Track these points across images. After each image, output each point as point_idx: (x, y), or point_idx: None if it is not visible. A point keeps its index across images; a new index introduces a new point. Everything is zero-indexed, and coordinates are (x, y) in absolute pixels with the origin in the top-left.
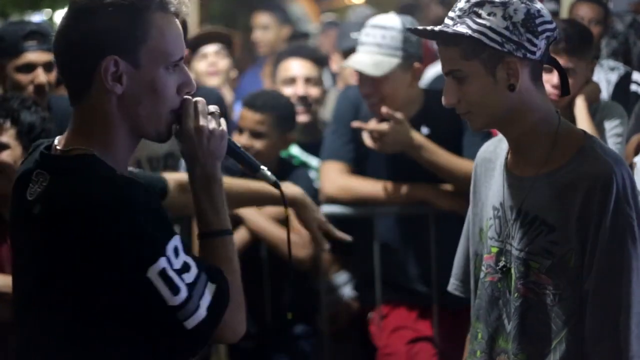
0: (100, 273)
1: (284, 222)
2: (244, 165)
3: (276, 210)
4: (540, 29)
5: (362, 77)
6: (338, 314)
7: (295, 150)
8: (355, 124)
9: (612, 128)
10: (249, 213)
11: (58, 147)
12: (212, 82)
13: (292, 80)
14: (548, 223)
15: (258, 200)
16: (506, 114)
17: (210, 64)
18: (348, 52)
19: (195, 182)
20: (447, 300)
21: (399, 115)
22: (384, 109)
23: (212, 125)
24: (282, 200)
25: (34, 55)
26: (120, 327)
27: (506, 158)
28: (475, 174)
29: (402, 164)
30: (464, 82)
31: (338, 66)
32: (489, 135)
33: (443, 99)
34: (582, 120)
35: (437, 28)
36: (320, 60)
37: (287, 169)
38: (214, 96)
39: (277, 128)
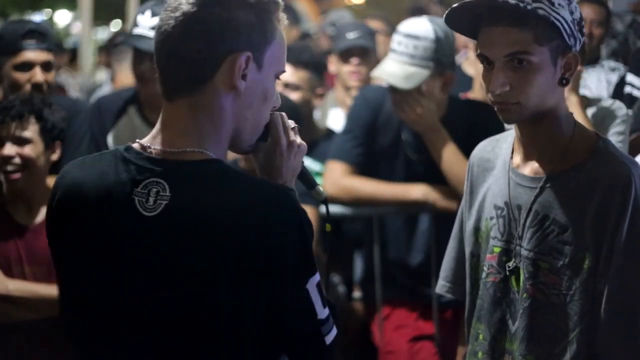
0: (258, 283)
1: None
2: (303, 180)
3: None
4: (583, 31)
5: (393, 87)
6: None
7: None
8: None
9: (614, 126)
10: None
11: (156, 148)
12: None
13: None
14: (560, 223)
15: None
16: (544, 111)
17: None
18: (344, 52)
19: None
20: (447, 300)
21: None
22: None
23: (299, 140)
24: (327, 217)
25: (33, 54)
26: (268, 341)
27: (510, 157)
28: (471, 174)
29: (415, 171)
30: (526, 68)
31: (336, 68)
32: None
33: (492, 85)
34: (577, 116)
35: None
36: (307, 64)
37: None
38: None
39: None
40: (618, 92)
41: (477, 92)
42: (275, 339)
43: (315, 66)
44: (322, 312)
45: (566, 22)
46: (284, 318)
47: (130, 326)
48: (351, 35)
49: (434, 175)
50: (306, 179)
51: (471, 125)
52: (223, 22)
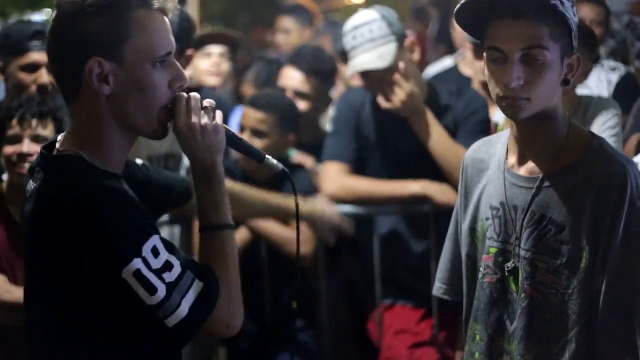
0: (79, 274)
1: (284, 221)
2: (249, 156)
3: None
4: (578, 35)
5: (370, 75)
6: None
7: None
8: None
9: (606, 122)
10: None
11: (57, 147)
12: (212, 82)
13: (282, 90)
14: (557, 222)
15: (277, 214)
16: (548, 109)
17: (214, 64)
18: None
19: (195, 177)
20: (448, 302)
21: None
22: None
23: (205, 120)
24: (293, 190)
25: (39, 55)
26: (103, 325)
27: (505, 158)
28: (466, 175)
29: (403, 165)
30: (541, 65)
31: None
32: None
33: (508, 79)
34: None
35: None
36: (319, 73)
37: (287, 168)
38: (214, 99)
39: (278, 128)
40: (620, 91)
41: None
42: (113, 324)
43: (325, 74)
44: (151, 299)
45: (574, 22)
46: (111, 305)
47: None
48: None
49: (423, 162)
50: (250, 154)
51: (452, 108)
52: (70, 36)
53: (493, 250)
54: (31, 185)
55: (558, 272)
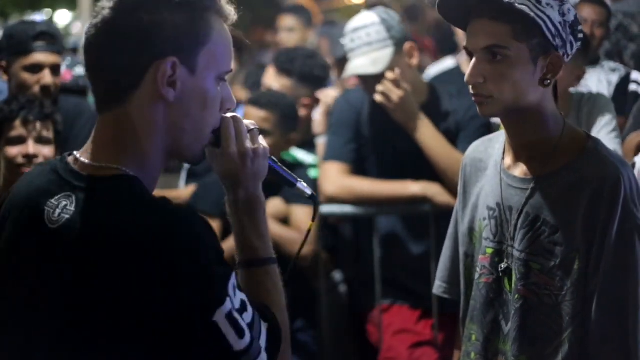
0: (158, 316)
1: (284, 220)
2: (281, 180)
3: (276, 209)
4: (579, 36)
5: (366, 78)
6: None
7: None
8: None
9: (606, 124)
10: None
11: (82, 161)
12: None
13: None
14: (551, 224)
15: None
16: (523, 108)
17: None
18: (341, 60)
19: (238, 206)
20: (447, 302)
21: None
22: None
23: (255, 145)
24: (314, 212)
25: (43, 56)
26: None
27: (502, 158)
28: (464, 174)
29: (402, 165)
30: (502, 63)
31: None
32: None
33: (466, 76)
34: None
35: None
36: (292, 73)
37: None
38: None
39: (280, 127)
40: (620, 92)
41: None
42: None
43: (302, 76)
44: (240, 343)
45: (551, 21)
46: (198, 354)
47: (28, 331)
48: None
49: (422, 162)
50: (284, 179)
51: (454, 109)
52: (143, 28)
53: (489, 251)
54: (56, 213)
55: (551, 273)
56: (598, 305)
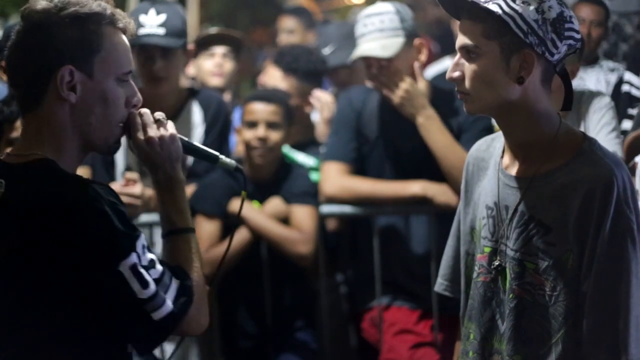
0: (73, 267)
1: (284, 220)
2: (202, 158)
3: (276, 208)
4: (566, 34)
5: (372, 61)
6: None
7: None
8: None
9: (606, 124)
10: (249, 212)
11: (10, 154)
12: (215, 82)
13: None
14: (545, 224)
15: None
16: (505, 106)
17: (216, 65)
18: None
19: (159, 186)
20: (447, 303)
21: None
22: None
23: (161, 132)
24: (244, 183)
25: None
26: (90, 319)
27: (501, 157)
28: (467, 173)
29: (403, 165)
30: (475, 61)
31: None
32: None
33: (447, 72)
34: None
35: None
36: (297, 71)
37: (286, 167)
38: (214, 100)
39: (285, 120)
40: (619, 92)
41: None
42: (104, 322)
43: (306, 74)
44: (143, 292)
45: (522, 18)
46: (104, 297)
47: None
48: (327, 51)
49: (423, 162)
50: (205, 157)
51: (457, 109)
52: (42, 43)
53: (487, 250)
54: None
55: (545, 273)
56: (590, 305)
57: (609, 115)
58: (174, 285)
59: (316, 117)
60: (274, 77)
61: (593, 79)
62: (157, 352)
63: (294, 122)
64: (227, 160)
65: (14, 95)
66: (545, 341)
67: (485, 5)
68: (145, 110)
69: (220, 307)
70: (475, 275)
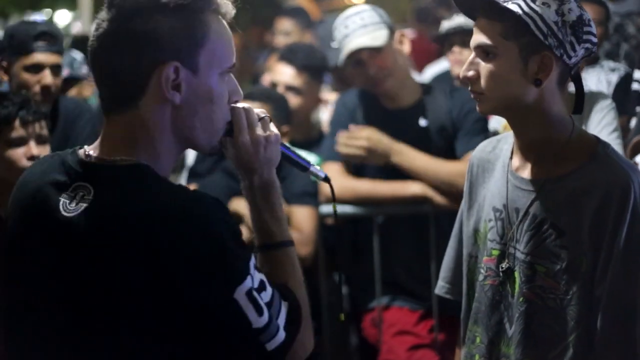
0: (179, 295)
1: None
2: (294, 164)
3: None
4: (584, 37)
5: (364, 58)
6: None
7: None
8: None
9: (602, 119)
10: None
11: (94, 155)
12: None
13: (273, 86)
14: (558, 227)
15: None
16: (520, 108)
17: None
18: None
19: (254, 192)
20: (447, 305)
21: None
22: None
23: (267, 132)
24: (332, 195)
25: (43, 56)
26: (198, 352)
27: (510, 159)
28: (471, 174)
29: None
30: (492, 61)
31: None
32: (486, 136)
33: (461, 71)
34: None
35: None
36: (310, 68)
37: (286, 166)
38: None
39: (274, 119)
40: (620, 91)
41: None
42: (214, 351)
43: (316, 69)
44: (259, 320)
45: (543, 20)
46: (217, 330)
47: (44, 322)
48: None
49: None
50: (296, 164)
51: (449, 106)
52: (142, 36)
53: (495, 253)
54: (73, 203)
55: (557, 277)
56: (604, 311)
57: (610, 116)
58: (284, 309)
59: (323, 115)
60: (285, 74)
61: (594, 79)
62: None
63: (291, 121)
64: (317, 169)
65: (5, 94)
66: (555, 345)
67: (505, 4)
68: (250, 107)
69: None
70: (482, 278)
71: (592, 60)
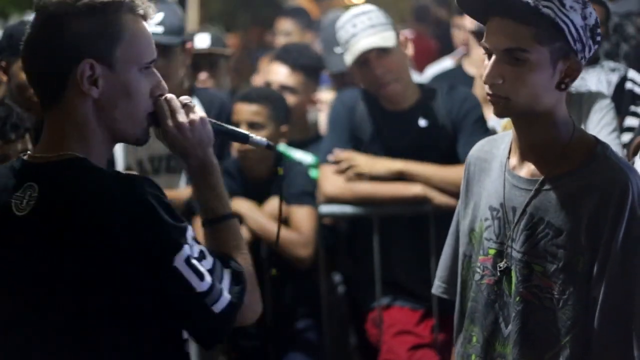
0: (127, 268)
1: (284, 221)
2: (234, 138)
3: (275, 208)
4: (597, 39)
5: (371, 59)
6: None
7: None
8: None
9: (601, 119)
10: (248, 211)
11: (36, 155)
12: None
13: (268, 86)
14: (555, 226)
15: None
16: (537, 111)
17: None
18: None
19: (193, 173)
20: (448, 304)
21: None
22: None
23: (191, 116)
24: (276, 156)
25: None
26: (151, 318)
27: (507, 158)
28: (468, 173)
29: (399, 159)
30: (522, 66)
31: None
32: (487, 136)
33: (485, 76)
34: None
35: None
36: (304, 67)
37: (285, 165)
38: (216, 99)
39: (272, 119)
40: (620, 92)
41: (478, 91)
42: (163, 316)
43: (311, 70)
44: (201, 285)
45: (574, 25)
46: (163, 297)
47: (13, 315)
48: (339, 50)
49: (415, 159)
50: (234, 137)
51: (448, 106)
52: (57, 38)
53: (492, 252)
54: (23, 202)
55: (553, 277)
56: (602, 312)
57: (610, 116)
58: (227, 274)
59: (321, 116)
60: (279, 73)
61: (594, 79)
62: None
63: (290, 121)
64: (258, 138)
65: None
66: (552, 345)
67: (541, 9)
68: (171, 96)
69: None
70: (478, 277)
71: (592, 60)
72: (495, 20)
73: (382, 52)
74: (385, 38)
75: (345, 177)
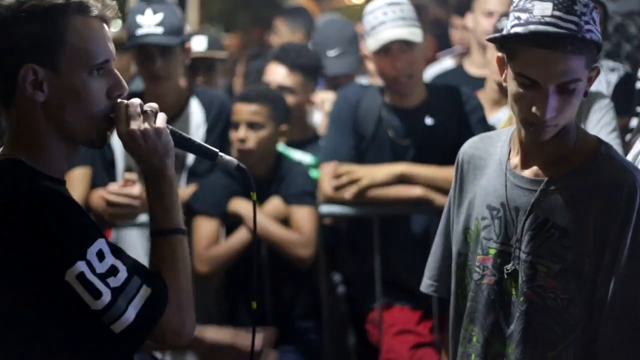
0: (22, 277)
1: (284, 221)
2: (201, 155)
3: (276, 209)
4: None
5: (394, 50)
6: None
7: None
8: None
9: (600, 118)
10: (248, 212)
11: None
12: None
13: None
14: (561, 227)
15: None
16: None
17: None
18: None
19: (145, 180)
20: (447, 304)
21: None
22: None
23: (145, 125)
24: (248, 181)
25: None
26: (46, 332)
27: (508, 158)
28: (461, 171)
29: (402, 155)
30: (573, 94)
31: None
32: None
33: (546, 113)
34: None
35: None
36: (302, 67)
37: (285, 165)
38: (216, 99)
39: (272, 119)
40: (619, 91)
41: (488, 92)
42: (57, 331)
43: (309, 70)
44: (96, 303)
45: (598, 37)
46: (55, 310)
47: None
48: (332, 54)
49: (420, 157)
50: (200, 152)
51: (453, 104)
52: (1, 42)
53: (492, 251)
54: None
55: (559, 277)
56: (609, 312)
57: (609, 116)
58: (143, 293)
59: (318, 116)
60: (277, 73)
61: None
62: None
63: (290, 120)
64: (227, 157)
65: None
66: (555, 346)
67: (587, 36)
68: (133, 101)
69: (219, 306)
70: (477, 277)
71: None
72: (540, 53)
73: (406, 45)
74: (413, 33)
75: (348, 195)
